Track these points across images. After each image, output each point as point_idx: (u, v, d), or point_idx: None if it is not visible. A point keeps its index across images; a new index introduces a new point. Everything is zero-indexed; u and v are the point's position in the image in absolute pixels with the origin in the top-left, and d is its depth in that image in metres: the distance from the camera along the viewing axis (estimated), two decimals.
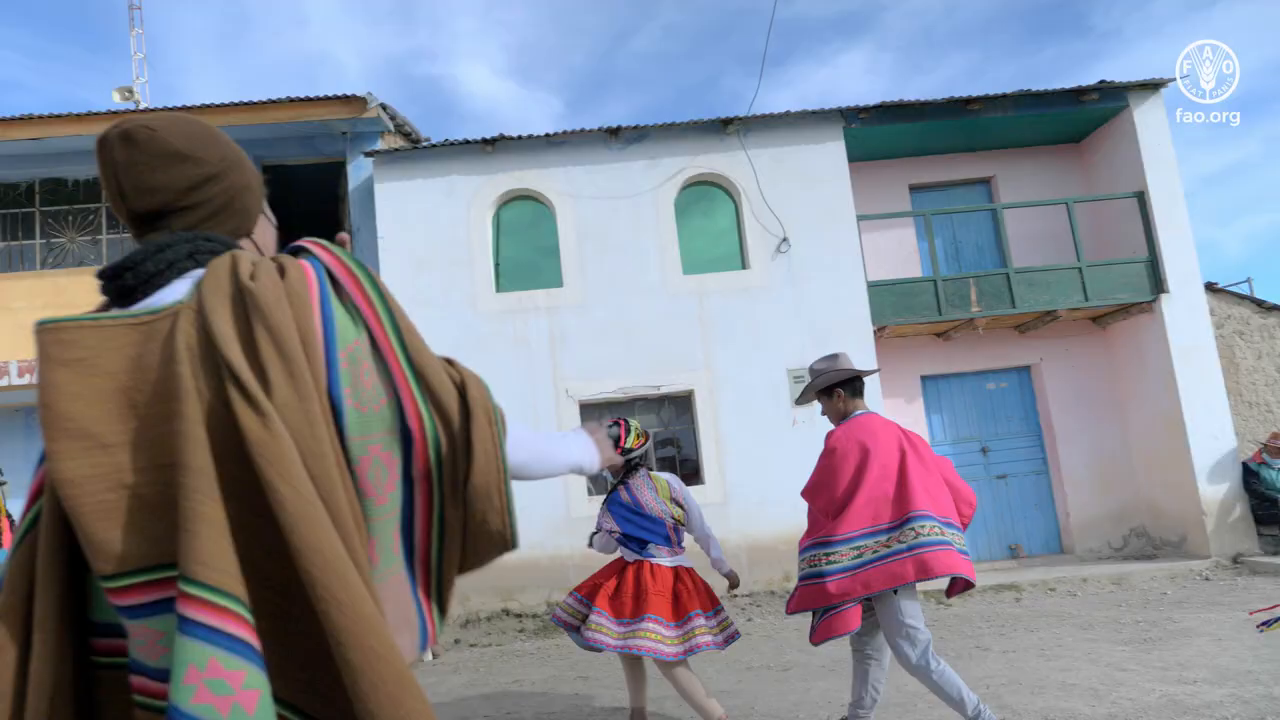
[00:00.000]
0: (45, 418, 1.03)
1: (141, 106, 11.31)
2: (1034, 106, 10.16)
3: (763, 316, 9.81)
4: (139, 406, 1.04)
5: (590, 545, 4.68)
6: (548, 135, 9.94)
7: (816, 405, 5.02)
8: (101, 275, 1.16)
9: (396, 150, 10.01)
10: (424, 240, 9.82)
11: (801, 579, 3.84)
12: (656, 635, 4.17)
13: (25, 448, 10.14)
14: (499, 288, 9.94)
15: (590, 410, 9.76)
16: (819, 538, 3.78)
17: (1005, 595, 8.58)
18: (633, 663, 4.65)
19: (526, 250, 10.14)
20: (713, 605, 4.40)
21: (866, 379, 4.51)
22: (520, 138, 9.93)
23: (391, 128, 10.46)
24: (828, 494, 3.87)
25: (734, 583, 4.60)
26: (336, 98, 9.75)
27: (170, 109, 9.76)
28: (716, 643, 4.25)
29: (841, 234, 9.94)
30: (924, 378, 10.78)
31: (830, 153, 10.04)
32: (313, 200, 12.00)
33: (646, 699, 4.75)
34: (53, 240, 10.69)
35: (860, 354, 9.38)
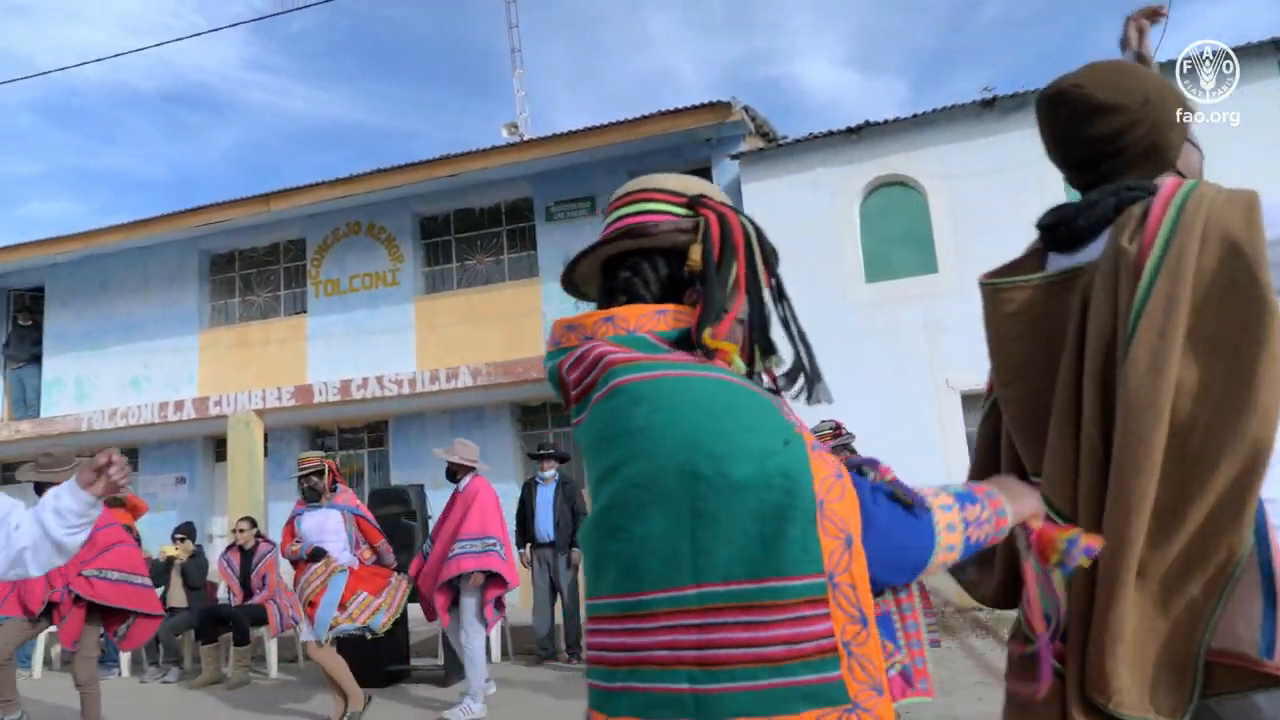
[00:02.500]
0: (992, 350, 1.40)
1: (525, 138, 12.54)
2: None
3: None
4: (1050, 348, 1.29)
5: None
6: (915, 116, 9.54)
7: None
8: (1040, 226, 1.43)
9: (761, 150, 10.15)
10: (791, 235, 9.80)
11: None
12: None
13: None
14: (868, 278, 9.69)
15: (972, 400, 9.17)
16: None
17: None
18: None
19: (896, 237, 9.79)
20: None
21: None
22: (885, 122, 9.63)
23: (752, 129, 10.64)
24: None
25: None
26: (702, 106, 10.10)
27: (564, 134, 10.72)
28: None
29: None
30: None
31: (1260, 93, 8.58)
32: None
33: None
34: (465, 263, 12.21)
35: None
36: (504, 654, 8.31)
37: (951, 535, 1.05)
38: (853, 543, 0.98)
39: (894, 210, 9.82)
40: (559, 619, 8.00)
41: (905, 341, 9.33)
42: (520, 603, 9.66)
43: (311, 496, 6.05)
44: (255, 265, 13.33)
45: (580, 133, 10.67)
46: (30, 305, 14.43)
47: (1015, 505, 1.14)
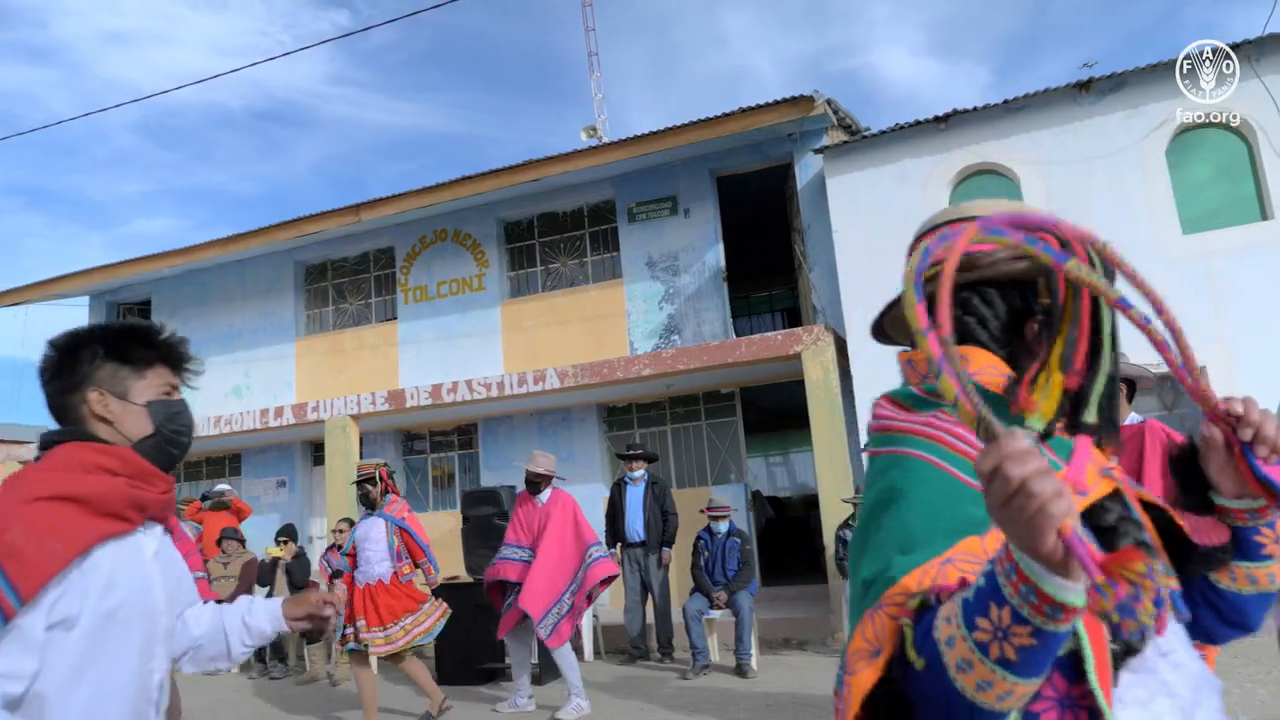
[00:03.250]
0: None
1: (605, 141, 12.58)
2: None
3: None
4: None
5: None
6: (1005, 102, 9.24)
7: None
8: None
9: (846, 143, 9.98)
10: (878, 229, 9.64)
11: None
12: None
13: (544, 446, 11.75)
14: None
15: None
16: None
17: None
18: None
19: None
20: None
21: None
22: (975, 109, 9.36)
23: (835, 122, 10.47)
24: None
25: None
26: (785, 101, 9.97)
27: (645, 135, 10.72)
28: None
29: None
30: None
31: None
32: (759, 204, 12.45)
33: None
34: (549, 266, 12.32)
35: None
36: (596, 653, 8.36)
37: (971, 673, 0.79)
38: (878, 656, 0.89)
39: (985, 199, 9.52)
40: (650, 618, 8.01)
41: None
42: (611, 602, 9.70)
43: (365, 504, 6.18)
44: (347, 274, 13.72)
45: (661, 133, 10.65)
46: (139, 318, 15.16)
47: (1030, 544, 0.70)
